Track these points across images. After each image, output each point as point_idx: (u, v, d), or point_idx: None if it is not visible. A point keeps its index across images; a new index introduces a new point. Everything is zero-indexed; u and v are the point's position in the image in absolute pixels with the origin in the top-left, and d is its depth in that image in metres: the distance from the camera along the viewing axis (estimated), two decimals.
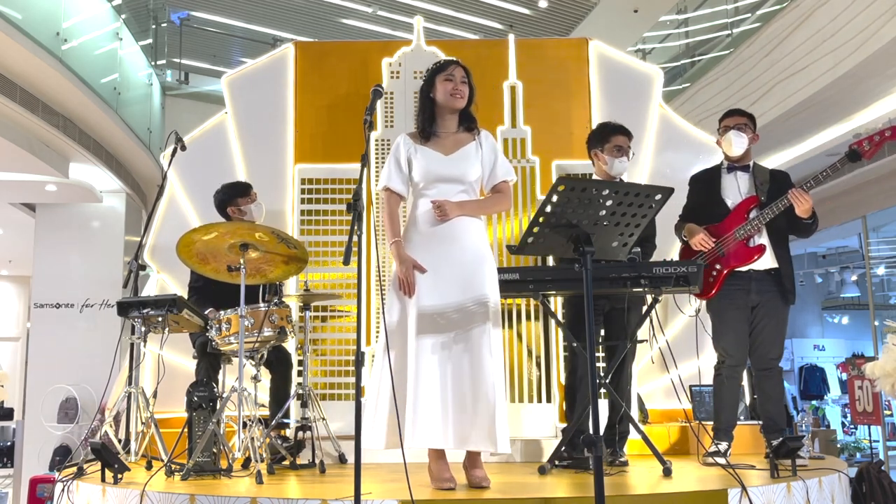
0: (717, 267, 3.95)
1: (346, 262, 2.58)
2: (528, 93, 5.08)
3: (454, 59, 3.40)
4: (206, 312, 4.17)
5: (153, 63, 10.39)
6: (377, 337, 4.71)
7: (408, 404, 3.01)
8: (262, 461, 3.66)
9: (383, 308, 3.05)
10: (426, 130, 3.32)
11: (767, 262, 3.93)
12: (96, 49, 7.79)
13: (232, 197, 4.45)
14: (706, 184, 4.13)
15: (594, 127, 4.41)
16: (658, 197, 2.74)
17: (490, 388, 3.03)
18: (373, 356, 4.70)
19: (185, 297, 4.43)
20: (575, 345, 3.82)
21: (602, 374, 3.83)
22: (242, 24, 11.81)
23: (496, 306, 3.16)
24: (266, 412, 4.24)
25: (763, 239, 3.94)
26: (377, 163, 4.98)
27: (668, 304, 4.82)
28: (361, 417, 2.57)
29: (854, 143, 3.84)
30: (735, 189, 4.04)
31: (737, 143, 3.99)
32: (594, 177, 4.25)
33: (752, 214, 3.93)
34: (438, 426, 3.03)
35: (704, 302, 4.07)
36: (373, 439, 3.08)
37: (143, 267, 4.63)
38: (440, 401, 3.05)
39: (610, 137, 4.06)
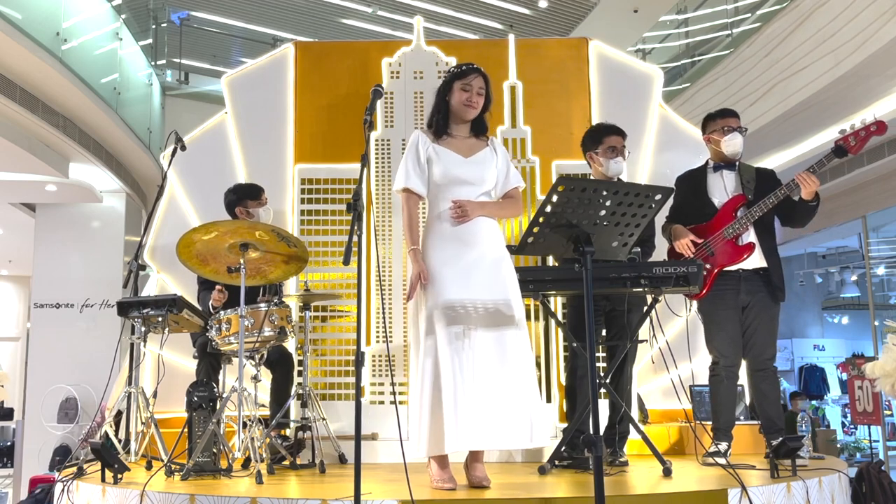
0: (707, 266, 3.94)
1: (346, 262, 2.59)
2: (528, 93, 5.07)
3: (477, 67, 3.33)
4: (216, 288, 4.12)
5: (153, 63, 10.40)
6: (378, 337, 4.72)
7: (445, 409, 2.99)
8: (262, 461, 3.66)
9: (384, 311, 3.05)
10: (441, 129, 3.31)
11: (756, 260, 3.93)
12: (96, 49, 7.80)
13: (242, 198, 4.45)
14: (692, 184, 4.12)
15: (587, 130, 4.40)
16: (658, 197, 2.74)
17: (517, 389, 3.05)
18: (374, 356, 4.71)
19: (196, 289, 4.46)
20: (575, 345, 3.82)
21: (602, 374, 3.83)
22: (242, 24, 11.81)
23: (520, 306, 3.18)
24: (266, 412, 4.25)
25: (751, 237, 3.94)
26: (377, 163, 4.98)
27: (663, 306, 4.82)
28: (362, 418, 2.57)
29: (839, 139, 3.86)
30: (721, 188, 4.04)
31: (741, 145, 4.00)
32: (591, 178, 4.24)
33: (740, 213, 3.93)
34: (476, 428, 3.03)
35: (695, 302, 4.07)
36: (416, 448, 3.07)
37: (143, 267, 4.64)
38: (472, 403, 3.04)
39: (603, 139, 4.06)
